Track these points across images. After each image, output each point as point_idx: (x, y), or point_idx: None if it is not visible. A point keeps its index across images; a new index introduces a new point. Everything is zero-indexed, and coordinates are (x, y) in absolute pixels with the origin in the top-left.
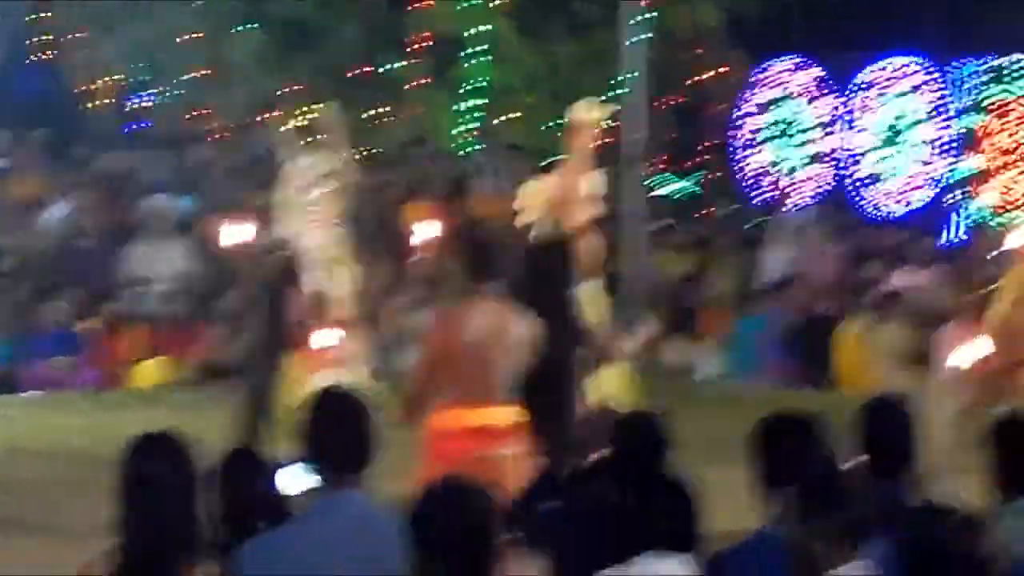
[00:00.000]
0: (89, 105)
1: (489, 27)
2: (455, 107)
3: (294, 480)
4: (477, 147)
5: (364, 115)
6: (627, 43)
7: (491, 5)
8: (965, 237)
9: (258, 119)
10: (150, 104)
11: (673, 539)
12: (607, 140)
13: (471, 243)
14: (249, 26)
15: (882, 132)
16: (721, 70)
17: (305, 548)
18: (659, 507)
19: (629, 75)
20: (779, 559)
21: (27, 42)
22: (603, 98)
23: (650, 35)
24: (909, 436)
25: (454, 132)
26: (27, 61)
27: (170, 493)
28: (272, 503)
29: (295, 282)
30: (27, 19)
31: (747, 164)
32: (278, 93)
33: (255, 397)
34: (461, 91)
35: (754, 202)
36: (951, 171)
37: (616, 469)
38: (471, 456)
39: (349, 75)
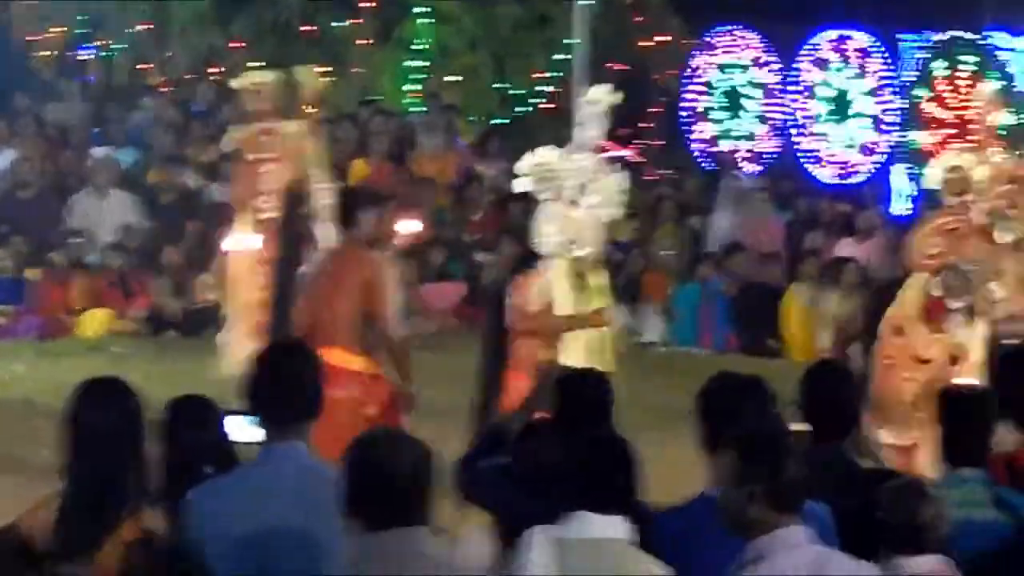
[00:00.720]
0: (33, 56)
1: None
2: (399, 67)
3: (240, 431)
4: (421, 107)
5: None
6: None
7: None
8: (909, 209)
9: (200, 75)
10: (93, 57)
11: (610, 499)
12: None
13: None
14: None
15: (827, 103)
16: (663, 38)
17: (247, 496)
18: (597, 466)
19: (572, 40)
20: (715, 522)
21: None
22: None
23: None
24: (851, 401)
25: (398, 92)
26: None
27: (114, 440)
28: (220, 451)
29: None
30: None
31: (693, 132)
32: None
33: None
34: (405, 51)
35: (700, 169)
36: (896, 143)
37: (558, 427)
38: None
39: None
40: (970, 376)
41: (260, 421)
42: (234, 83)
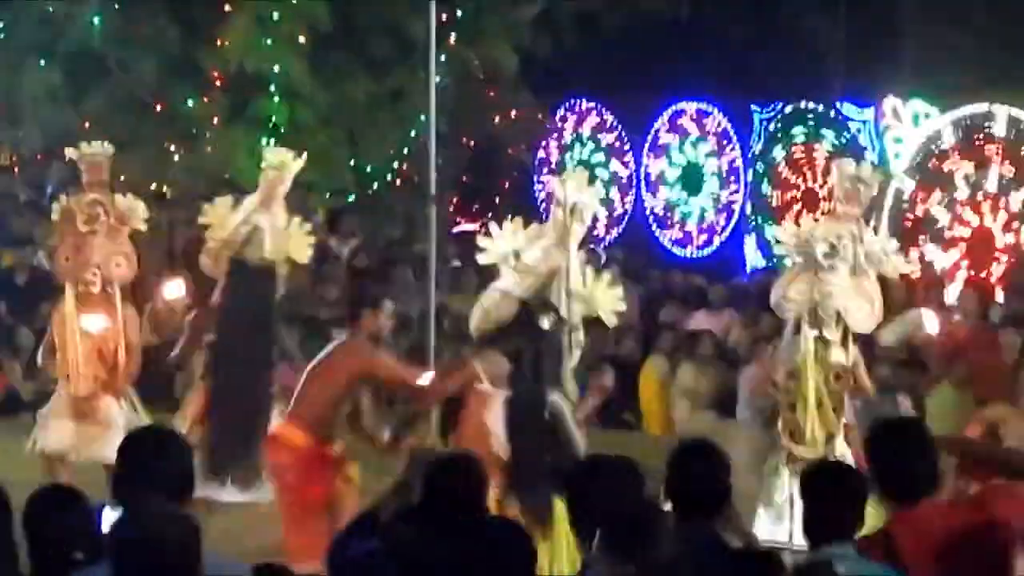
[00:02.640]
0: None
1: (280, 66)
2: (252, 144)
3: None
4: None
5: (160, 151)
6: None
7: (287, 43)
8: (760, 275)
9: (52, 154)
10: None
11: None
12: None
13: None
14: (42, 61)
15: (675, 177)
16: (514, 113)
17: None
18: (473, 553)
19: (421, 116)
20: None
21: None
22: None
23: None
24: (721, 480)
25: (252, 169)
26: None
27: None
28: (89, 538)
29: None
30: None
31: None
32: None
33: None
34: (258, 128)
35: None
36: (746, 212)
37: (429, 515)
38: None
39: (143, 110)
40: None
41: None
42: (69, 152)
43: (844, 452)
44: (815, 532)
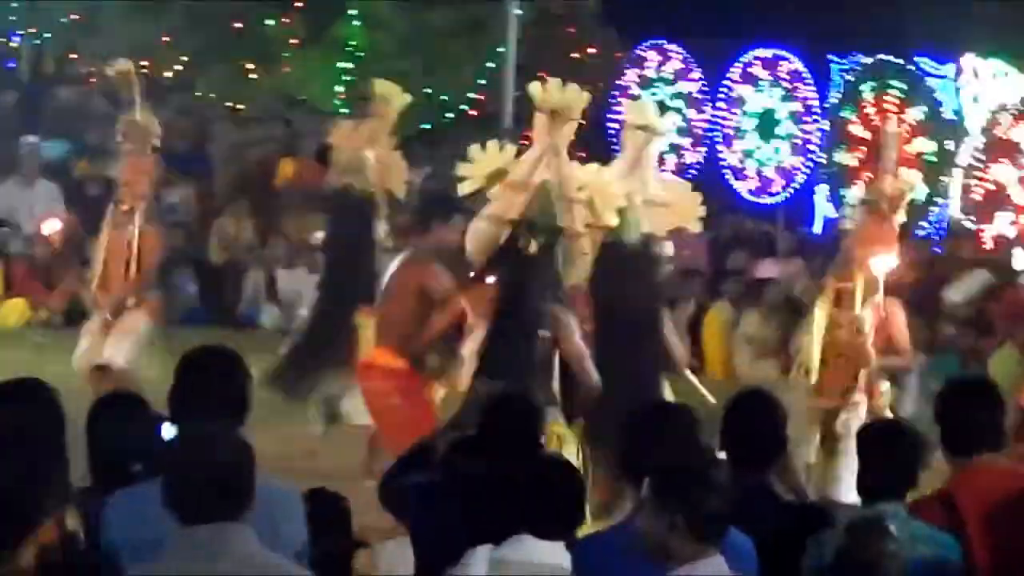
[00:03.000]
0: None
1: None
2: (329, 68)
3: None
4: (349, 109)
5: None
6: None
7: None
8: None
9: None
10: (22, 44)
11: (553, 524)
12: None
13: None
14: None
15: (753, 121)
16: (592, 50)
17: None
18: (543, 490)
19: (502, 48)
20: (636, 550)
21: None
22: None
23: (519, 11)
24: (775, 431)
25: (328, 93)
26: None
27: (31, 440)
28: (148, 449)
29: None
30: None
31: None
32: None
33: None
34: (335, 53)
35: None
36: (819, 164)
37: (485, 447)
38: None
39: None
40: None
41: (181, 428)
42: (107, 70)
43: (860, 402)
44: (869, 489)
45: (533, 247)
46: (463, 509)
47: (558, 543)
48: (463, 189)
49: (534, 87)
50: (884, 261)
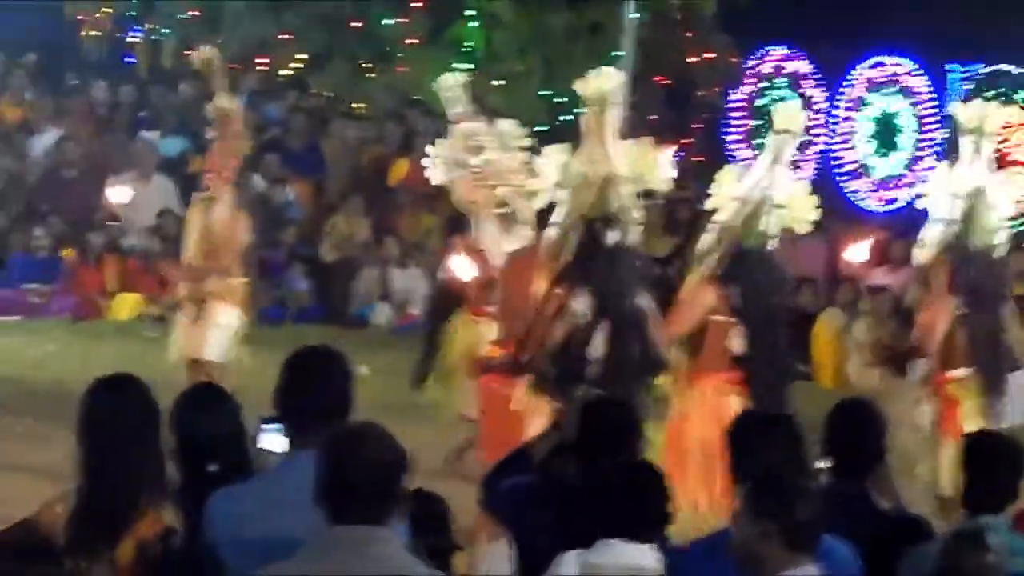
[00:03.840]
0: (82, 35)
1: None
2: (445, 68)
3: (270, 441)
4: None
5: (353, 69)
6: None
7: None
8: None
9: (247, 64)
10: (141, 40)
11: (643, 528)
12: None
13: None
14: None
15: (869, 129)
16: (708, 55)
17: (266, 501)
18: (632, 494)
19: (618, 52)
20: (729, 559)
21: None
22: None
23: (637, 15)
24: (875, 440)
25: None
26: None
27: (130, 435)
28: (229, 445)
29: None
30: None
31: (737, 151)
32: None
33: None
34: (453, 53)
35: None
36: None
37: (582, 452)
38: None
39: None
40: None
41: (286, 428)
42: (192, 58)
43: None
44: (972, 501)
45: (610, 239)
46: (557, 514)
47: (647, 545)
48: (536, 204)
49: (576, 83)
50: None
